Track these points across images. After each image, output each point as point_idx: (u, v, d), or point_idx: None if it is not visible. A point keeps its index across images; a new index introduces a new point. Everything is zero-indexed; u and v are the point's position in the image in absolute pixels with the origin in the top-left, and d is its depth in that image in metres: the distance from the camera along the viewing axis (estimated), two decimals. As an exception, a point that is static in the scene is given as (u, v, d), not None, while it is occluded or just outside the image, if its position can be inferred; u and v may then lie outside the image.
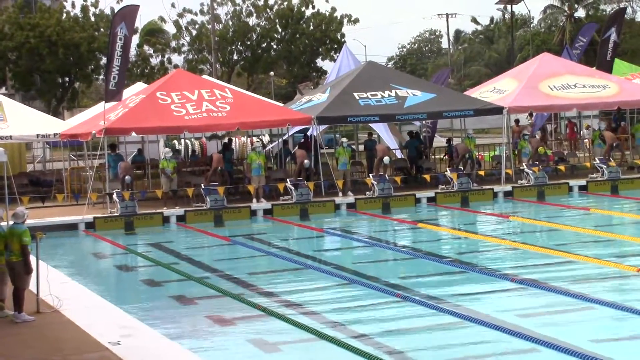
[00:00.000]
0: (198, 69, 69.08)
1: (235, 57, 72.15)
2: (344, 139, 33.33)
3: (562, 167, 34.59)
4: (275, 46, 71.58)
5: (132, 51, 64.10)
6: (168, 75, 39.54)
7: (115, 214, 29.00)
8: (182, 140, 41.18)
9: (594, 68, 39.33)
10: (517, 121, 39.67)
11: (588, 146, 38.65)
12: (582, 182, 33.03)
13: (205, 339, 15.03)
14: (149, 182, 33.95)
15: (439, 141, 41.42)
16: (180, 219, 29.32)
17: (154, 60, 68.73)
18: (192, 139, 41.46)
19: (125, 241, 26.38)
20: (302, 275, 20.24)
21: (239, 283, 19.49)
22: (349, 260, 21.81)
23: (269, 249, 23.91)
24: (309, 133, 37.16)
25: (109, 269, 23.37)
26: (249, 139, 39.80)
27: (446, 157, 36.66)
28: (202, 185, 30.35)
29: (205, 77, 47.10)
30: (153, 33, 72.66)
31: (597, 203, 29.56)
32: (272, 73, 75.06)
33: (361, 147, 39.32)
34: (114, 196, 29.24)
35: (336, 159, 32.42)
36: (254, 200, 30.50)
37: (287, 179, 31.36)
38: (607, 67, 39.40)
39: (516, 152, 34.80)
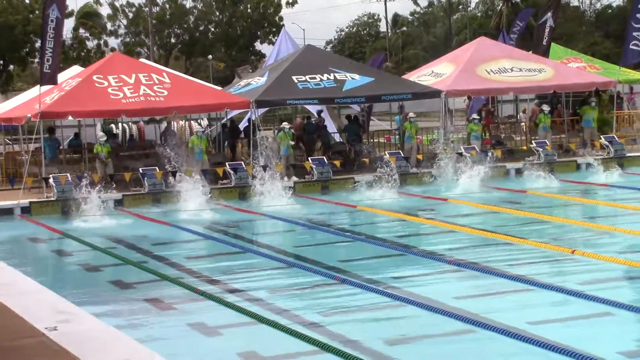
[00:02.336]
0: (135, 52, 68.59)
1: (172, 40, 71.77)
2: (285, 124, 33.30)
3: (498, 151, 34.86)
4: (213, 29, 71.33)
5: (68, 34, 63.41)
6: (105, 58, 39.18)
7: (52, 199, 28.70)
8: (120, 124, 40.83)
9: (531, 52, 39.68)
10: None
11: (525, 129, 39.02)
12: (519, 165, 33.35)
13: (144, 324, 14.93)
14: (86, 166, 33.61)
15: (378, 125, 41.60)
16: (118, 203, 29.09)
17: (91, 44, 68.13)
18: (130, 123, 41.13)
19: (61, 226, 26.10)
20: (241, 259, 20.19)
21: (178, 267, 19.40)
22: (289, 244, 21.82)
23: (209, 233, 23.83)
24: (244, 120, 37.10)
25: (45, 253, 23.13)
26: (187, 122, 39.59)
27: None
28: (140, 169, 30.17)
29: (142, 60, 46.71)
30: (89, 16, 71.92)
31: (533, 185, 29.81)
32: (210, 56, 74.71)
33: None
34: (50, 180, 28.92)
35: (278, 144, 32.38)
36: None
37: (226, 163, 31.27)
38: (544, 51, 39.77)
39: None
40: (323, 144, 34.67)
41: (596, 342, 13.00)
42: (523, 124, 39.95)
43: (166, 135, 34.59)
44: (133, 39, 70.22)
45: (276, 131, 35.68)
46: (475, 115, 35.90)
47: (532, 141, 35.46)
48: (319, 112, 38.05)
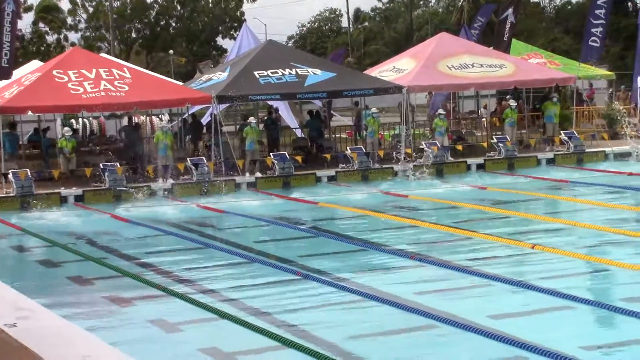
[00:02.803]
0: (95, 47, 68.12)
1: (133, 35, 71.35)
2: (252, 119, 33.18)
3: (459, 146, 34.99)
4: (174, 24, 71.00)
5: (28, 28, 62.86)
6: (65, 53, 38.89)
7: (11, 194, 28.46)
8: (80, 120, 40.55)
9: (492, 48, 39.84)
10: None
11: (486, 125, 39.20)
12: (480, 160, 33.52)
13: (104, 320, 14.84)
14: (47, 161, 33.36)
15: (340, 120, 41.62)
16: (78, 199, 28.91)
17: (50, 38, 67.60)
18: (90, 118, 40.86)
19: (21, 222, 25.89)
20: (202, 255, 20.12)
21: (138, 263, 19.30)
22: (250, 239, 21.76)
23: (169, 229, 23.73)
24: (206, 115, 36.97)
25: (4, 250, 22.91)
26: (148, 118, 39.39)
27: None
28: (101, 164, 30.02)
29: (103, 55, 46.41)
30: (49, 10, 71.36)
31: (494, 181, 29.97)
32: (171, 51, 74.38)
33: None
34: (10, 176, 28.68)
35: (243, 138, 32.27)
36: (160, 180, 30.28)
37: (187, 158, 31.17)
38: (505, 47, 39.97)
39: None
40: (272, 139, 34.50)
41: (557, 336, 13.07)
42: (484, 119, 40.11)
43: (125, 130, 34.42)
44: (93, 34, 69.77)
45: (238, 126, 35.56)
46: (441, 111, 36.01)
47: (493, 137, 35.63)
48: (276, 109, 37.93)
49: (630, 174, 30.18)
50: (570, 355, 11.96)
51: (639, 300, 14.70)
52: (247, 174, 31.21)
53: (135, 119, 37.99)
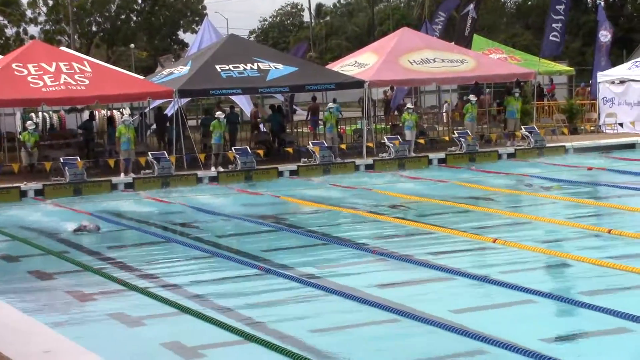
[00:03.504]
0: (55, 40, 67.63)
1: (94, 28, 70.89)
2: (220, 113, 33.11)
3: (421, 140, 35.08)
4: (135, 18, 70.62)
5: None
6: (24, 46, 38.58)
7: (-30, 189, 28.25)
8: (40, 114, 40.27)
9: (453, 43, 39.99)
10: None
11: (445, 120, 39.37)
12: (442, 155, 33.65)
13: (65, 315, 14.75)
14: (5, 155, 33.10)
15: (302, 115, 41.57)
16: (39, 193, 28.72)
17: (9, 31, 67.02)
18: (50, 112, 40.58)
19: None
20: (164, 249, 20.03)
21: (99, 257, 19.21)
22: (212, 234, 21.69)
23: (130, 223, 23.63)
24: (168, 108, 36.82)
25: (-37, 245, 22.71)
26: (109, 112, 39.16)
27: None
28: (61, 158, 29.85)
29: (63, 48, 46.09)
30: (8, 3, 70.75)
31: (455, 175, 30.09)
32: (132, 45, 73.98)
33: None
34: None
35: (207, 132, 32.16)
36: (122, 174, 30.15)
37: (149, 152, 31.06)
38: (466, 42, 40.14)
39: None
40: (231, 133, 34.35)
41: (517, 329, 13.16)
42: (445, 114, 40.27)
43: (86, 125, 34.25)
44: (53, 27, 69.21)
45: (200, 120, 35.45)
46: (409, 105, 36.07)
47: (454, 131, 35.79)
48: (232, 108, 37.72)
49: (590, 168, 30.42)
50: (530, 348, 12.05)
51: (598, 293, 14.84)
52: (213, 168, 31.14)
53: (96, 113, 37.81)
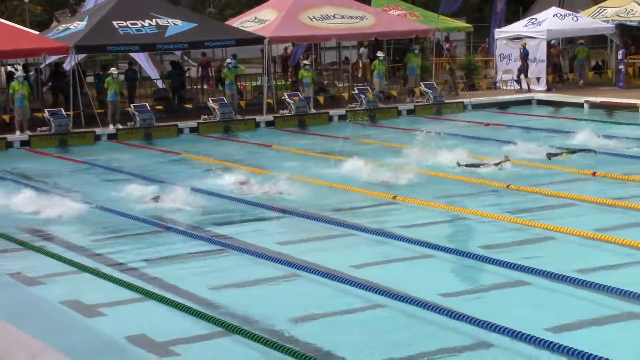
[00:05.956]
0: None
1: (-14, -18, 69.13)
2: (113, 69, 32.50)
3: (321, 98, 35.08)
4: (29, -29, 68.98)
5: None
6: None
7: None
8: None
9: (353, -1, 39.93)
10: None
11: (347, 76, 39.43)
12: (342, 111, 33.71)
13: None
14: None
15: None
16: None
17: None
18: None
19: None
20: (61, 208, 19.59)
21: (-5, 217, 18.83)
22: (110, 192, 21.29)
23: (26, 181, 23.15)
24: (65, 64, 36.12)
25: None
26: (3, 68, 38.26)
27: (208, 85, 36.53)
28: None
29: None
30: None
31: (357, 132, 30.14)
32: None
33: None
34: None
35: (105, 90, 31.60)
36: (17, 132, 29.53)
37: (45, 109, 30.48)
38: (366, -1, 40.13)
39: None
40: (129, 90, 33.83)
41: (417, 283, 13.32)
42: (348, 69, 40.31)
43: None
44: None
45: (96, 77, 34.89)
46: (306, 62, 35.98)
47: (355, 88, 35.87)
48: (130, 64, 37.07)
49: (488, 124, 30.82)
50: (430, 302, 12.20)
51: (496, 247, 15.11)
52: (111, 125, 30.68)
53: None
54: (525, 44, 37.59)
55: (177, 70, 36.04)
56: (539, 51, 37.77)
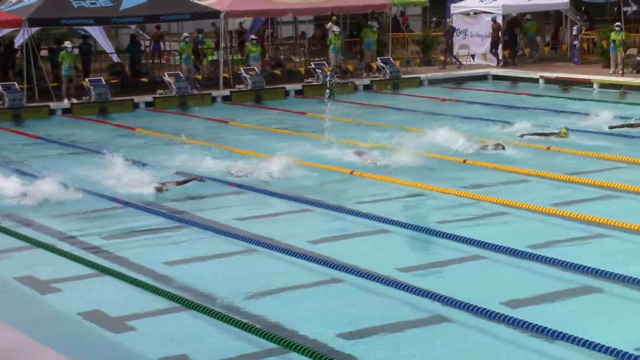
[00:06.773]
0: None
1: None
2: (68, 43, 32.09)
3: (278, 72, 34.94)
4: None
5: None
6: None
7: None
8: None
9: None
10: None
11: (304, 51, 39.31)
12: (299, 86, 33.61)
13: None
14: None
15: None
16: None
17: None
18: None
19: None
20: (15, 183, 19.30)
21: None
22: (66, 167, 21.05)
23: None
24: (17, 38, 35.69)
25: None
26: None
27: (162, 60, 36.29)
28: None
29: None
30: None
31: (313, 107, 30.05)
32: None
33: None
34: None
35: (59, 63, 31.22)
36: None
37: (-2, 83, 30.15)
38: (322, -27, 39.90)
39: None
40: (84, 64, 33.59)
41: (374, 258, 13.34)
42: (303, 49, 40.18)
43: None
44: None
45: (49, 50, 34.50)
46: (253, 36, 35.81)
47: (311, 62, 35.77)
48: (84, 38, 36.62)
49: (444, 99, 30.89)
50: (387, 276, 12.23)
51: (451, 222, 15.17)
52: (66, 100, 30.37)
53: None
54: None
55: (135, 44, 35.69)
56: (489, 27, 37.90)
